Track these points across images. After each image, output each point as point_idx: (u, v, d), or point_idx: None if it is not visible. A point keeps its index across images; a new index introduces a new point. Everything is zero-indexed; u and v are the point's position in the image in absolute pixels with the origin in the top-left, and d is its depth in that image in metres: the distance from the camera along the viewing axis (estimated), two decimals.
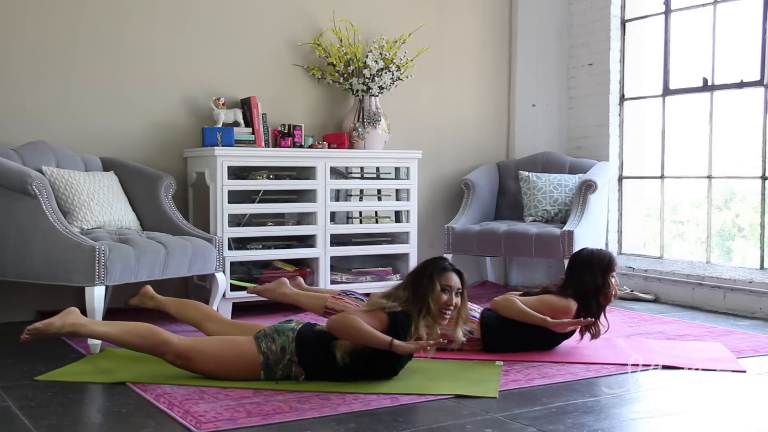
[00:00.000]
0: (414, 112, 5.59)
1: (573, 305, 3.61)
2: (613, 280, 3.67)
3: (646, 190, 5.87)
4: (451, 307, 3.11)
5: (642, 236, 5.92)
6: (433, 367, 3.30)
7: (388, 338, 2.93)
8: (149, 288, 3.66)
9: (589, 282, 3.63)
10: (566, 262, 4.71)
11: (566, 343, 3.75)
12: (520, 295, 3.75)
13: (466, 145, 5.83)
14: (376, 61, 5.04)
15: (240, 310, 4.52)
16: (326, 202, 4.74)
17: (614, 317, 3.81)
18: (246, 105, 4.82)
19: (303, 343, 3.03)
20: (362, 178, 5.09)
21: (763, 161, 4.89)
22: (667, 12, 5.53)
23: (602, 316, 3.69)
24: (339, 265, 4.94)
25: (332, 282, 4.76)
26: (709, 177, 5.24)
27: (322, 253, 4.74)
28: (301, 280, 3.97)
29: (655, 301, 5.26)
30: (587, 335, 3.73)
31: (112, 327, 3.13)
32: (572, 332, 3.70)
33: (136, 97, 4.72)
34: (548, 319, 3.54)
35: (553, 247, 4.86)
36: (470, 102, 5.86)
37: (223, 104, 4.73)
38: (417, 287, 3.09)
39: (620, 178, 5.81)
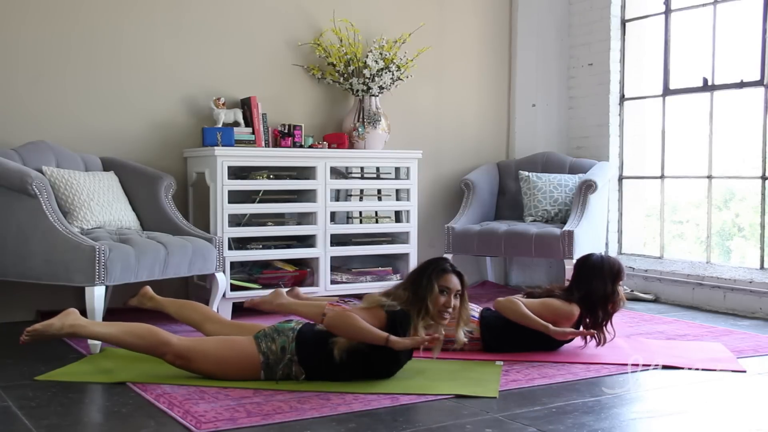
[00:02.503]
0: (414, 112, 5.59)
1: (576, 311, 3.60)
2: (620, 289, 3.65)
3: (646, 190, 5.87)
4: (450, 309, 3.11)
5: (642, 236, 5.92)
6: (433, 367, 3.30)
7: (385, 334, 2.94)
8: (149, 289, 3.65)
9: (599, 289, 3.60)
10: (566, 262, 4.74)
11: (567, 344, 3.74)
12: (523, 296, 3.75)
13: (466, 145, 5.83)
14: (376, 61, 5.04)
15: (240, 310, 4.51)
16: (326, 202, 4.74)
17: (614, 317, 3.81)
18: (246, 105, 4.82)
19: (303, 342, 3.03)
20: (362, 178, 5.08)
21: (763, 161, 4.89)
22: (667, 12, 5.53)
23: (609, 324, 3.68)
24: (339, 265, 4.94)
25: (332, 282, 4.76)
26: (709, 177, 5.24)
27: (322, 253, 4.74)
28: (299, 290, 3.95)
29: (655, 301, 5.26)
30: (592, 342, 3.70)
31: (112, 328, 3.12)
32: (573, 338, 3.69)
33: (136, 97, 4.72)
34: (550, 326, 3.53)
35: (553, 247, 4.86)
36: (470, 102, 5.86)
37: (223, 104, 4.73)
38: (416, 288, 3.09)
39: (620, 178, 5.81)
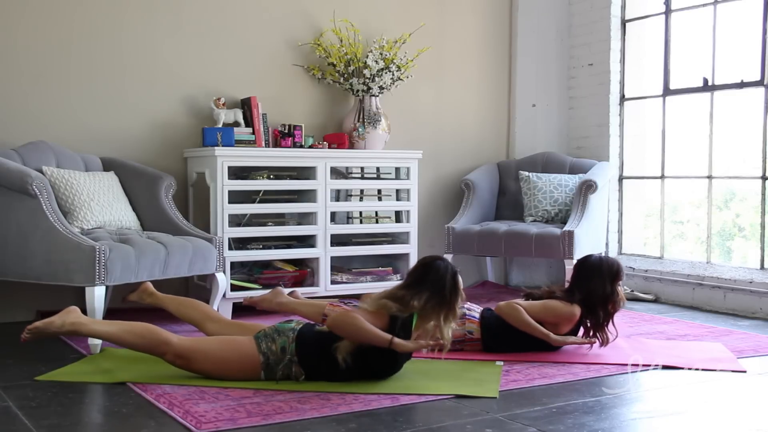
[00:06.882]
0: (414, 112, 5.59)
1: (577, 311, 3.61)
2: (619, 289, 3.66)
3: (647, 190, 5.87)
4: None
5: (642, 236, 5.92)
6: (433, 367, 3.30)
7: (388, 336, 2.93)
8: (149, 284, 3.65)
9: (598, 290, 3.61)
10: (566, 262, 4.74)
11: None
12: (523, 297, 3.74)
13: (466, 145, 5.83)
14: (376, 61, 5.04)
15: (240, 310, 4.51)
16: (326, 202, 4.74)
17: (615, 317, 3.82)
18: (246, 105, 4.82)
19: (303, 343, 3.03)
20: (362, 178, 5.08)
21: (763, 161, 4.89)
22: (667, 12, 5.53)
23: (610, 323, 3.69)
24: (339, 265, 4.93)
25: (332, 282, 4.76)
26: (710, 177, 5.24)
27: (323, 253, 4.73)
28: (298, 292, 3.95)
29: (656, 301, 5.26)
30: (596, 344, 3.70)
31: (112, 326, 3.13)
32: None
33: (136, 97, 4.73)
34: (551, 335, 3.56)
35: (553, 247, 4.86)
36: (470, 102, 5.86)
37: (223, 104, 4.73)
38: (440, 295, 3.06)
39: (620, 178, 5.81)
